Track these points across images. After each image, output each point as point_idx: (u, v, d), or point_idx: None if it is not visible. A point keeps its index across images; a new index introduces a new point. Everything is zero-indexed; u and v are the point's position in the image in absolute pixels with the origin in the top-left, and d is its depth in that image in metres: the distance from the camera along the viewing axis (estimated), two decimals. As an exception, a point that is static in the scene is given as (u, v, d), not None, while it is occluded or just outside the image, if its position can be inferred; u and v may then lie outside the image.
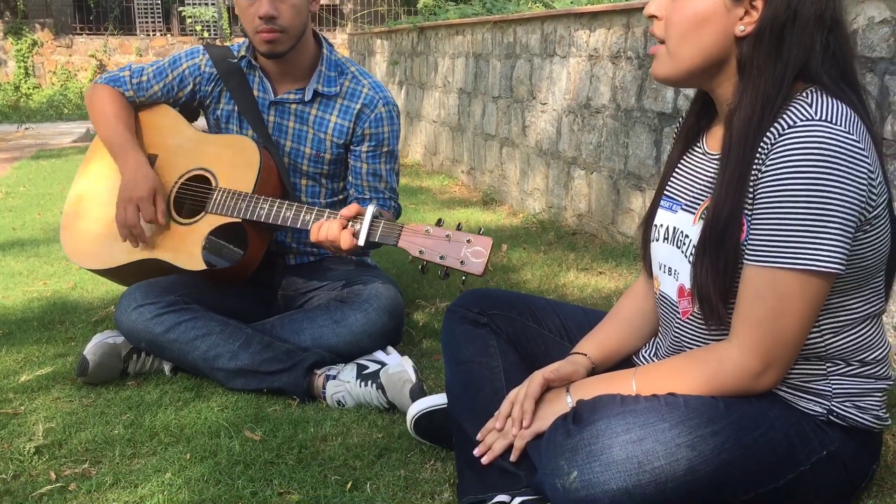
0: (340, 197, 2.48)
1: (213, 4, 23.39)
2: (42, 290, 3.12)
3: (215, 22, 20.83)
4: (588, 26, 3.94)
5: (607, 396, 1.36)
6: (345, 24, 15.81)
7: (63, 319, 2.75)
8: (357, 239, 1.91)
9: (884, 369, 1.41)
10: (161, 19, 23.77)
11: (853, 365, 1.38)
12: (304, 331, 2.20)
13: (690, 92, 3.16)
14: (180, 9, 21.21)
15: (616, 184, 3.75)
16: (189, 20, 20.15)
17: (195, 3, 23.59)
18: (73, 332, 2.62)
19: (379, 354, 2.18)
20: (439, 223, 1.84)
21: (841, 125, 1.23)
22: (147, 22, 23.94)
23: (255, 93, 2.39)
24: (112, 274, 2.42)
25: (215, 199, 2.22)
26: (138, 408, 2.03)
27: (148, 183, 2.24)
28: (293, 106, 2.38)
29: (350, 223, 1.93)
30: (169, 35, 20.06)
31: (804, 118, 1.24)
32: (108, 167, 2.44)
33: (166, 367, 2.23)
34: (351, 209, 1.93)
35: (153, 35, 20.43)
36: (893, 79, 2.20)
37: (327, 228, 1.93)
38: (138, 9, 24.09)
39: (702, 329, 1.41)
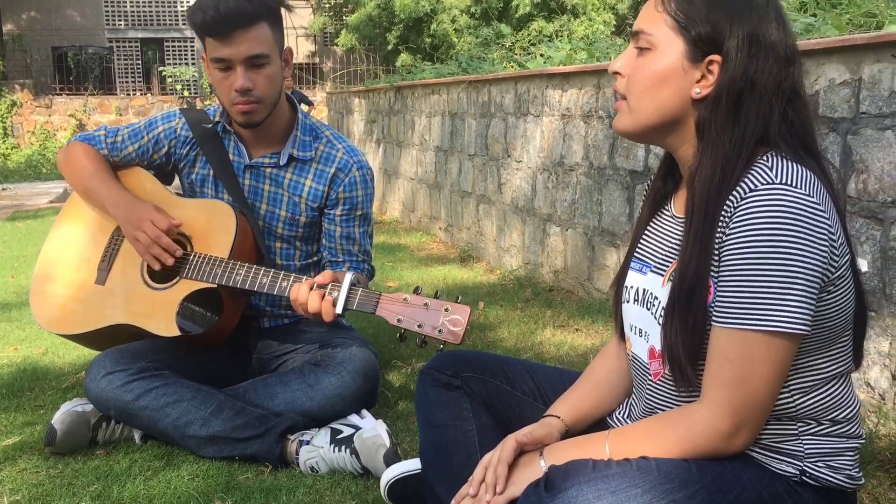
0: (315, 259, 2.48)
1: (193, 64, 23.63)
2: (12, 356, 3.07)
3: (195, 81, 21.02)
4: (560, 86, 4.01)
5: (579, 462, 1.34)
6: (324, 82, 16.00)
7: (32, 386, 2.71)
8: (335, 307, 1.90)
9: (855, 428, 1.41)
10: (141, 79, 23.97)
11: (824, 424, 1.38)
12: (278, 395, 2.18)
13: (660, 151, 3.22)
14: (161, 68, 21.41)
15: (591, 240, 3.78)
16: (169, 79, 20.33)
17: (176, 63, 23.84)
18: (42, 400, 2.58)
19: (353, 418, 2.16)
20: (417, 291, 1.84)
21: (801, 188, 1.25)
22: (127, 81, 24.13)
23: (231, 156, 2.40)
24: (83, 339, 2.39)
25: (190, 264, 2.21)
26: (107, 478, 1.99)
27: (145, 203, 2.25)
28: (268, 170, 2.40)
29: (328, 292, 1.92)
30: (149, 94, 20.19)
31: (765, 181, 1.26)
32: (79, 231, 2.42)
33: (136, 435, 2.19)
34: (326, 276, 1.92)
35: (133, 94, 20.56)
36: (855, 138, 2.25)
37: (309, 301, 1.91)
38: (119, 69, 24.32)
39: (673, 391, 1.41)
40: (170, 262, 2.19)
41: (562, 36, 8.46)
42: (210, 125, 2.41)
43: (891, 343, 2.20)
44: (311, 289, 1.92)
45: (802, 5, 3.17)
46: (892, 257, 2.18)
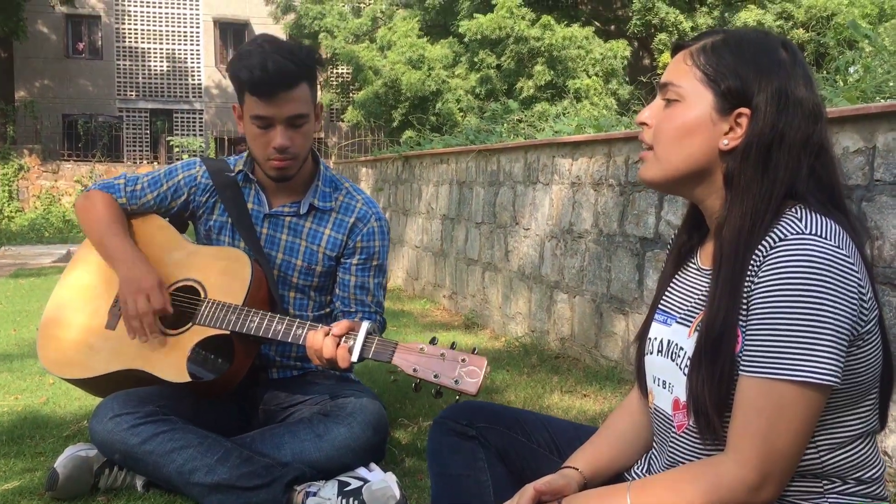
0: (327, 310, 2.47)
1: (200, 135, 24.00)
2: (13, 405, 3.03)
3: (202, 151, 21.30)
4: (570, 155, 4.06)
5: (602, 511, 1.32)
6: (329, 157, 16.23)
7: (33, 434, 2.66)
8: (351, 355, 1.89)
9: (880, 489, 1.38)
10: (149, 148, 24.32)
11: (849, 483, 1.35)
12: (285, 445, 2.14)
13: (672, 217, 3.25)
14: (168, 138, 21.72)
15: (599, 307, 3.77)
16: (177, 149, 20.61)
17: (184, 133, 24.20)
18: (42, 447, 2.53)
19: (361, 471, 2.11)
20: (433, 342, 1.83)
21: (831, 240, 1.25)
22: (135, 150, 24.48)
23: (250, 205, 2.42)
24: (89, 384, 2.35)
25: (203, 311, 2.20)
26: (107, 525, 1.94)
27: (153, 274, 2.23)
28: (288, 219, 2.41)
29: (343, 340, 1.91)
30: (156, 163, 20.46)
31: (795, 231, 1.26)
32: (91, 276, 2.42)
33: (139, 483, 2.14)
34: (342, 326, 1.92)
35: (140, 162, 20.82)
36: (870, 205, 2.27)
37: (324, 347, 1.90)
38: (127, 137, 24.70)
39: (697, 443, 1.38)
40: (143, 340, 2.19)
41: (569, 114, 8.62)
42: (231, 174, 2.43)
43: (909, 411, 2.17)
44: (327, 335, 1.92)
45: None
46: (908, 323, 2.17)
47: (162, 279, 2.26)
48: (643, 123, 1.45)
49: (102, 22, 24.99)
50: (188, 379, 2.14)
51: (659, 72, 14.65)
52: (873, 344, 1.31)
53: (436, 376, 1.78)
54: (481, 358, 1.78)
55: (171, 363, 2.17)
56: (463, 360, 1.78)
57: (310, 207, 2.40)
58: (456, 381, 1.76)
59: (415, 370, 1.80)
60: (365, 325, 1.90)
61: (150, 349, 2.22)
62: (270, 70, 2.14)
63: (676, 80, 1.38)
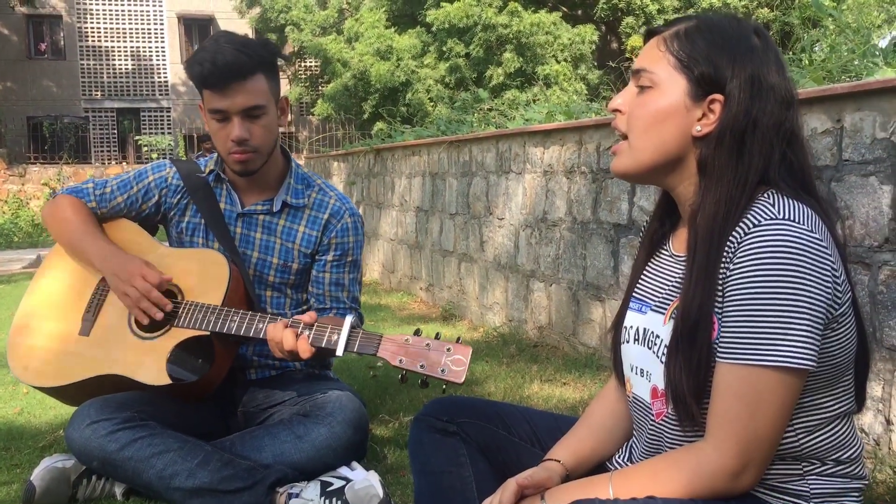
0: (304, 308, 2.45)
1: (169, 133, 23.75)
2: (-14, 416, 2.98)
3: (171, 150, 21.09)
4: (542, 143, 4.06)
5: (584, 502, 1.32)
6: (300, 151, 16.13)
7: (8, 446, 2.61)
8: (336, 349, 1.89)
9: (859, 468, 1.39)
10: (117, 148, 24.02)
11: (828, 464, 1.36)
12: (266, 447, 2.12)
13: (645, 203, 3.26)
14: (136, 138, 21.48)
15: (575, 295, 3.78)
16: (145, 148, 20.39)
17: (152, 132, 23.93)
18: (18, 459, 2.49)
19: (343, 470, 2.10)
20: (417, 333, 1.83)
21: (804, 224, 1.25)
22: (103, 151, 24.18)
23: (223, 205, 2.40)
24: (64, 392, 2.32)
25: (182, 313, 2.18)
26: (88, 535, 1.91)
27: (136, 258, 2.22)
28: (261, 217, 2.40)
29: (304, 330, 1.92)
30: (124, 163, 20.23)
31: (769, 217, 1.27)
32: (62, 282, 2.38)
33: (118, 491, 2.12)
34: (311, 316, 1.95)
35: (109, 163, 20.57)
36: (839, 185, 2.29)
37: (284, 339, 1.94)
38: (94, 138, 24.38)
39: (676, 430, 1.39)
40: (159, 316, 2.16)
41: (539, 101, 8.62)
42: (202, 175, 2.40)
43: (883, 388, 2.20)
44: (287, 327, 1.95)
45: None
46: (880, 301, 2.19)
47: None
48: (616, 110, 1.44)
49: (64, 21, 24.64)
50: (168, 381, 2.12)
51: (627, 56, 14.71)
52: (847, 326, 1.32)
53: (422, 366, 1.78)
54: (466, 347, 1.79)
55: (149, 366, 2.15)
56: (448, 350, 1.78)
57: (283, 205, 2.39)
58: (442, 371, 1.77)
59: (401, 361, 1.80)
60: (349, 319, 1.91)
61: (128, 353, 2.19)
62: (219, 62, 2.15)
63: (650, 66, 1.38)
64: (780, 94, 1.33)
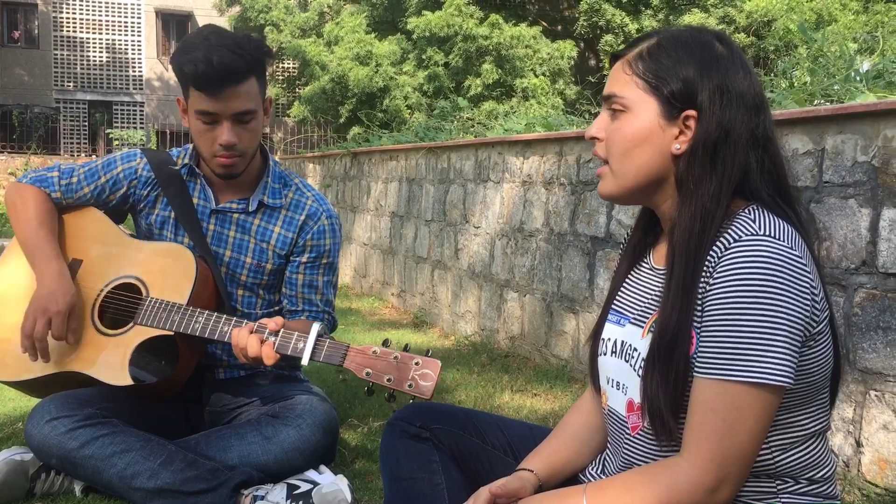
0: (276, 308, 2.40)
1: (141, 128, 23.51)
2: (-58, 406, 2.90)
3: (143, 144, 20.87)
4: (522, 153, 4.06)
5: (558, 514, 1.30)
6: (276, 149, 16.03)
7: (-36, 437, 2.54)
8: (301, 357, 1.84)
9: (831, 488, 1.39)
10: (87, 140, 23.72)
11: (801, 483, 1.36)
12: (232, 447, 2.08)
13: (623, 217, 3.26)
14: (108, 131, 21.23)
15: (549, 306, 3.77)
16: (116, 142, 20.16)
17: (124, 126, 23.67)
18: (-26, 451, 2.41)
19: (311, 474, 2.06)
20: (386, 343, 1.79)
21: (784, 241, 1.25)
22: (72, 142, 23.86)
23: (196, 200, 2.33)
24: (25, 386, 2.25)
25: (145, 310, 2.11)
26: (44, 532, 1.86)
27: (66, 297, 2.10)
28: (236, 215, 2.33)
29: (269, 337, 1.88)
30: (94, 156, 19.97)
31: (749, 233, 1.26)
32: (23, 271, 2.30)
33: (77, 487, 2.06)
34: (277, 322, 1.89)
35: (78, 155, 20.30)
36: (818, 207, 2.30)
37: (249, 346, 1.87)
38: (64, 129, 24.07)
39: (652, 445, 1.38)
40: (32, 360, 2.10)
41: (517, 113, 8.64)
42: (175, 167, 2.34)
43: (854, 409, 2.21)
44: (252, 333, 1.89)
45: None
46: (854, 324, 2.21)
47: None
48: (594, 138, 1.43)
49: (39, 10, 24.31)
50: (130, 382, 2.06)
51: (605, 72, 14.81)
52: (824, 344, 1.32)
53: (389, 380, 1.74)
54: (435, 361, 1.75)
55: (111, 365, 2.09)
56: (417, 364, 1.74)
57: (259, 204, 2.33)
58: (410, 385, 1.73)
59: (367, 374, 1.76)
60: (315, 327, 1.85)
61: (90, 350, 2.13)
62: (216, 64, 2.05)
63: (619, 91, 1.37)
64: (750, 99, 1.32)
